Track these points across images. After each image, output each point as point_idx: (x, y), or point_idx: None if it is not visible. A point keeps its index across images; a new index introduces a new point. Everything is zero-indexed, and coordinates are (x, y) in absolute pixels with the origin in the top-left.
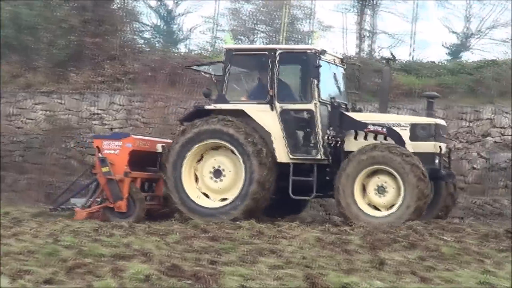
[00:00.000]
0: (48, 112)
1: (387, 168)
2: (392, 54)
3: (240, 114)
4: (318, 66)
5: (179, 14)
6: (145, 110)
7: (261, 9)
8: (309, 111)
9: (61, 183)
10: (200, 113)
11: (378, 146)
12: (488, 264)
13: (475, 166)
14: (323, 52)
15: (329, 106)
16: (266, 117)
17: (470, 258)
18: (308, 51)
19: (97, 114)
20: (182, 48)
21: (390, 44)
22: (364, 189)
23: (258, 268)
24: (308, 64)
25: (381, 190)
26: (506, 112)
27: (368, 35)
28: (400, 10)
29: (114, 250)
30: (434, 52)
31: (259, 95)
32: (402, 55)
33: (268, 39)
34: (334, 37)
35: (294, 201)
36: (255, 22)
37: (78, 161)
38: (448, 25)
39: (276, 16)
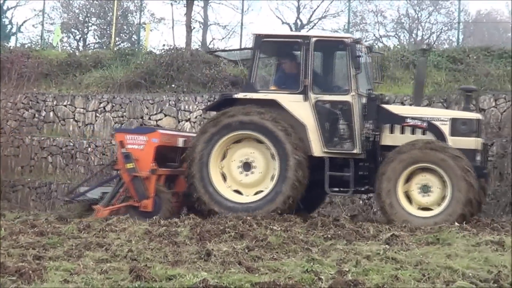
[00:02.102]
0: None
1: (430, 165)
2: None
3: (271, 104)
4: (359, 56)
5: (9, 8)
6: None
7: (93, 1)
8: (346, 103)
9: None
10: (227, 102)
11: (416, 144)
12: (315, 253)
13: None
14: (360, 41)
15: (364, 98)
16: (299, 108)
17: (297, 246)
18: (346, 39)
19: None
20: (13, 42)
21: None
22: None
23: (83, 262)
24: (346, 53)
25: (425, 189)
26: None
27: (199, 26)
28: (232, 2)
29: None
30: None
31: (291, 85)
32: (233, 46)
33: (100, 32)
34: (166, 29)
35: (311, 197)
36: (87, 15)
37: None
38: (280, 16)
39: (108, 9)
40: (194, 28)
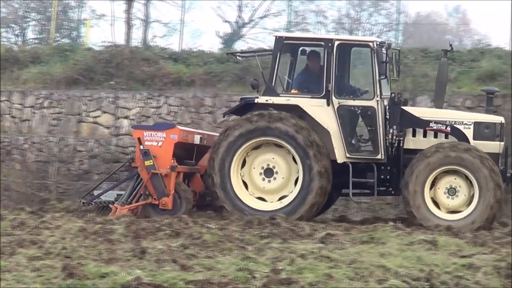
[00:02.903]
0: None
1: (455, 167)
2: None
3: (293, 108)
4: (385, 62)
5: None
6: None
7: None
8: (370, 108)
9: None
10: (248, 107)
11: (440, 147)
12: (250, 251)
13: None
14: (385, 44)
15: (385, 101)
16: (321, 113)
17: (232, 245)
18: (371, 43)
19: None
20: None
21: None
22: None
23: (16, 260)
24: (372, 57)
25: (451, 191)
26: None
27: (140, 24)
28: None
29: None
30: (208, 41)
31: (314, 89)
32: (174, 44)
33: (40, 28)
34: (107, 25)
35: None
36: (27, 10)
37: None
38: (221, 14)
39: (49, 4)
40: (134, 25)
